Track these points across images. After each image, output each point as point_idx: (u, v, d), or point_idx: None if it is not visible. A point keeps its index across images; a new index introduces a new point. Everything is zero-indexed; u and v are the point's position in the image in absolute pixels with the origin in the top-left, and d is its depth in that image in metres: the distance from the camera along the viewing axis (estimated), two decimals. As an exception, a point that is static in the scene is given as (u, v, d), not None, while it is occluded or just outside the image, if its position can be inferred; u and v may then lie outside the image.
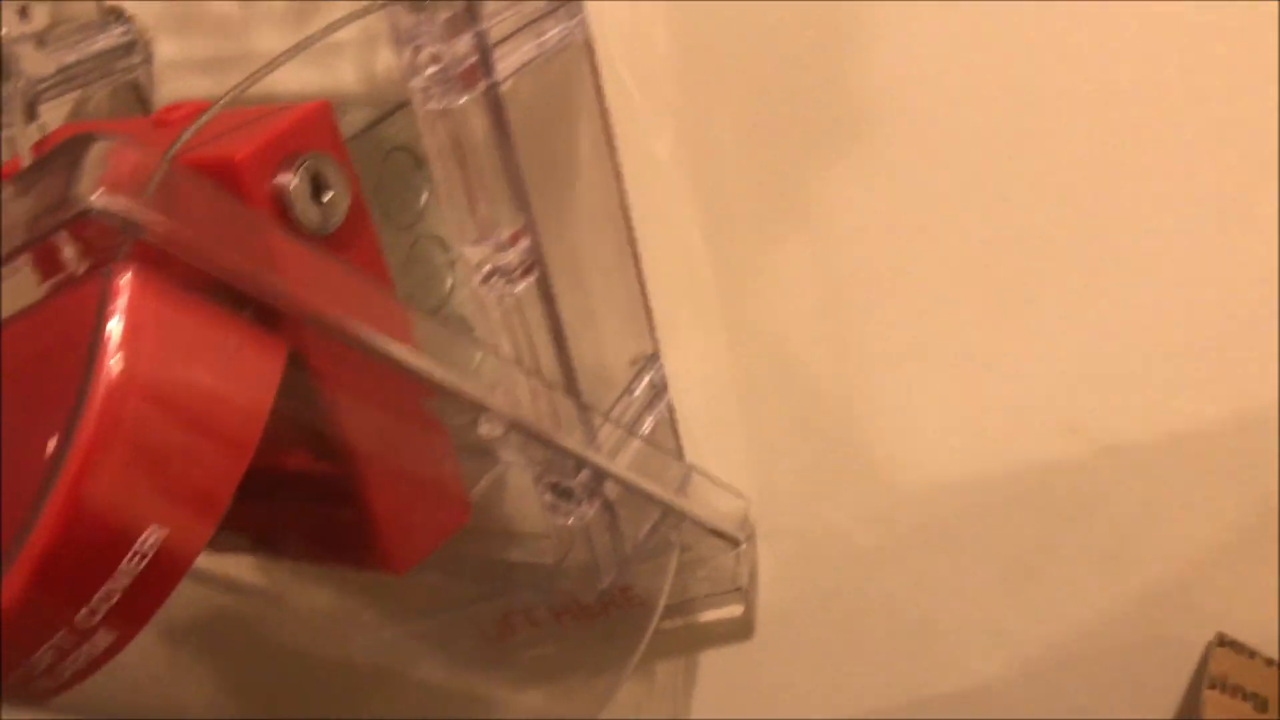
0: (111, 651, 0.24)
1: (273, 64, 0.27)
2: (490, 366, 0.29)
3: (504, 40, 0.28)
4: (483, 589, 0.42)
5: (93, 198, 0.20)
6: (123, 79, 0.39)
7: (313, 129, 0.28)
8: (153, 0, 0.37)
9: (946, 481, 0.37)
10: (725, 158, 0.33)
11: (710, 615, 0.44)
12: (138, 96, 0.40)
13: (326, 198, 0.28)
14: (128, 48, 0.38)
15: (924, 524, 0.39)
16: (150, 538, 0.23)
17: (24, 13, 0.35)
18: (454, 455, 0.35)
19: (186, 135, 0.26)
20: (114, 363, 0.22)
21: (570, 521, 0.34)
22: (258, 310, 0.25)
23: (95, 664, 0.24)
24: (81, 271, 0.23)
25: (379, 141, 0.35)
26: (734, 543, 0.39)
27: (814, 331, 0.35)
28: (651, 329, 0.38)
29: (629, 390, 0.37)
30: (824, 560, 0.41)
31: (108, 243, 0.22)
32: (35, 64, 0.34)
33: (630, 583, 0.40)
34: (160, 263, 0.23)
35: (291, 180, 0.27)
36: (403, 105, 0.35)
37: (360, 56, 0.36)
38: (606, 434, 0.33)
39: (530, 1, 0.29)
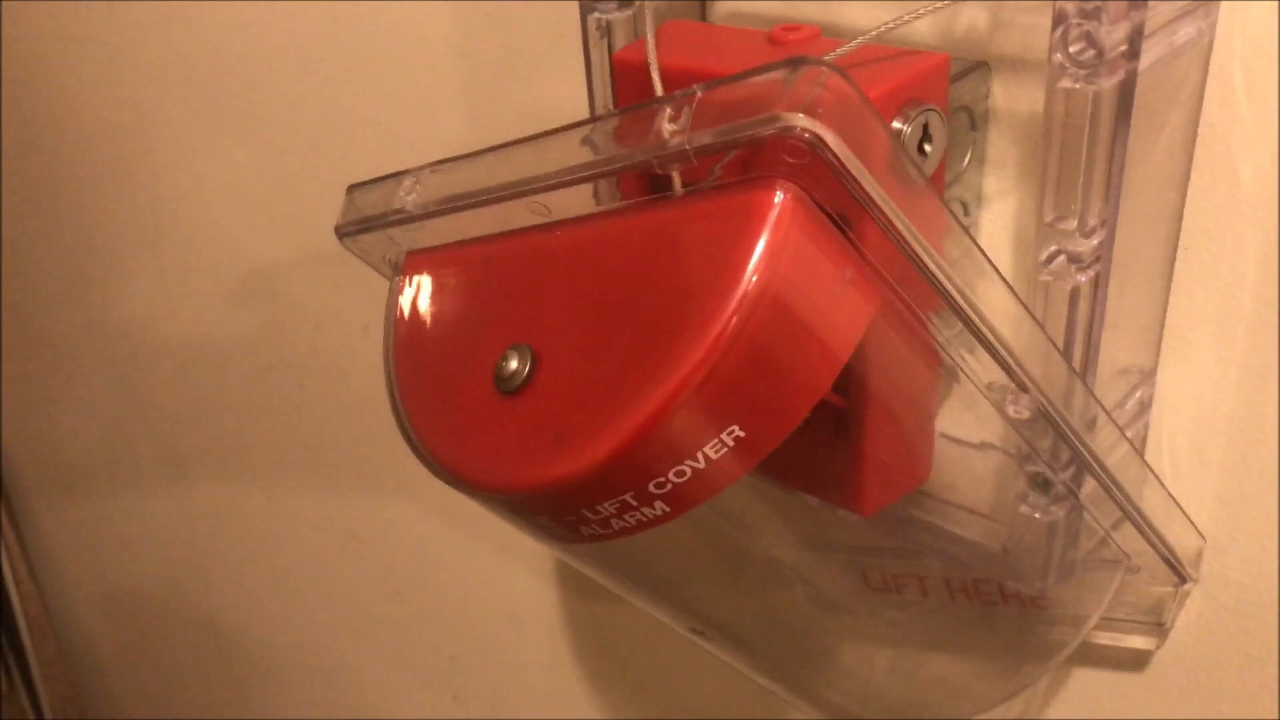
0: (654, 522, 0.27)
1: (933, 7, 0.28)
2: (1038, 345, 0.29)
3: (1150, 35, 0.27)
4: (904, 547, 0.42)
5: (800, 118, 0.21)
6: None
7: (932, 81, 0.29)
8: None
9: None
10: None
11: (1110, 639, 0.42)
12: (700, 5, 0.42)
13: (927, 149, 0.29)
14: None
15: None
16: (733, 433, 0.25)
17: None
18: (933, 415, 0.35)
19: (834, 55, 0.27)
20: (755, 272, 0.23)
21: (1037, 515, 0.34)
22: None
23: (637, 528, 0.27)
24: (719, 178, 0.25)
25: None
26: (1182, 579, 0.37)
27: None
28: (1158, 344, 0.36)
29: (1121, 403, 0.36)
30: (1260, 624, 0.39)
31: (770, 158, 0.23)
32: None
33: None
34: (806, 184, 0.24)
35: (906, 128, 0.28)
36: (978, 66, 0.34)
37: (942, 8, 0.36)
38: (1104, 435, 0.32)
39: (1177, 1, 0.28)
